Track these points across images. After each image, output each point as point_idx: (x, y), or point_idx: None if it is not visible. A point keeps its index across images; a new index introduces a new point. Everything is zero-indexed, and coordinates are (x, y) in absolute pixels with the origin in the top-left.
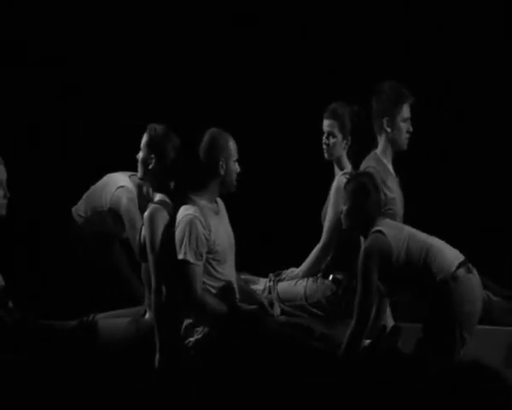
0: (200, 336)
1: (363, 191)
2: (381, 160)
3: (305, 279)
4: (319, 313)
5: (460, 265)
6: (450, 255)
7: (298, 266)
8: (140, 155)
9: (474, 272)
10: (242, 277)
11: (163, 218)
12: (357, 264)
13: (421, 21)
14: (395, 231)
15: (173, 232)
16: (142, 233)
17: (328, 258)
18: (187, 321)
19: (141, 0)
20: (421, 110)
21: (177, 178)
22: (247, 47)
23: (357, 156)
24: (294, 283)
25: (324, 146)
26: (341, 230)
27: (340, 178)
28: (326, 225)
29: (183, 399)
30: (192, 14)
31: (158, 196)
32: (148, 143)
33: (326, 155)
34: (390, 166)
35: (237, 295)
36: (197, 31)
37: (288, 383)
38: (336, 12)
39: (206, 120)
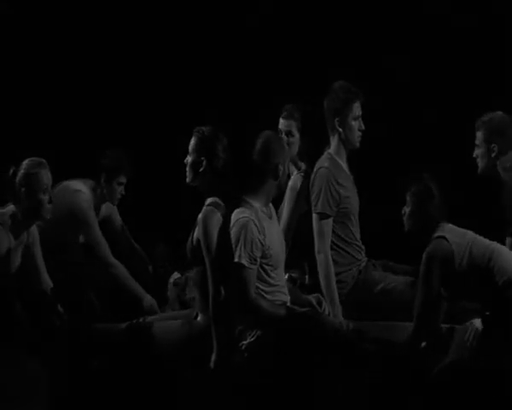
0: (253, 339)
1: (428, 195)
2: (334, 159)
3: None
4: None
5: None
6: None
7: None
8: (189, 160)
9: None
10: None
11: (217, 220)
12: (312, 262)
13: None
14: (458, 237)
15: (226, 235)
16: (194, 235)
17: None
18: (240, 324)
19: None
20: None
21: (229, 180)
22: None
23: (310, 156)
24: None
25: None
26: (296, 228)
27: (296, 177)
28: (281, 224)
29: (237, 399)
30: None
31: (210, 199)
32: (197, 147)
33: None
34: (344, 165)
35: (289, 299)
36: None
37: (341, 385)
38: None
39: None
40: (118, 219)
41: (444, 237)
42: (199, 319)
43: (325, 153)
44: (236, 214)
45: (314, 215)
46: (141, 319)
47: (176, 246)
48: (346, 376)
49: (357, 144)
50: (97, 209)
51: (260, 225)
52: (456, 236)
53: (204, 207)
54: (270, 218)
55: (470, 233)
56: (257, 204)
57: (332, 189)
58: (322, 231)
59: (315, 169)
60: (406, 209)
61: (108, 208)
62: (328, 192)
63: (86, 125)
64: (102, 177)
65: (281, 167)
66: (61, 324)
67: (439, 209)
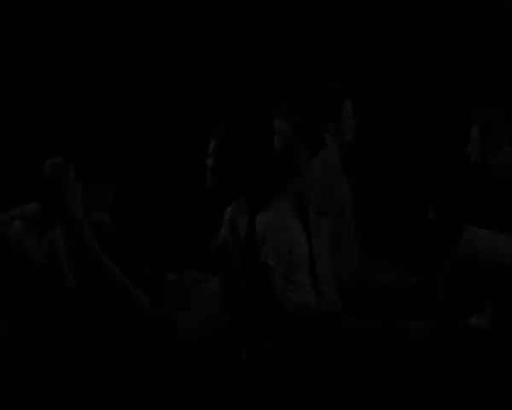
0: (277, 338)
1: (451, 197)
2: (328, 157)
3: None
4: None
5: None
6: None
7: None
8: (209, 162)
9: None
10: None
11: (244, 220)
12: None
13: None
14: (483, 239)
15: (251, 235)
16: (221, 237)
17: None
18: (265, 323)
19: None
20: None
21: (254, 180)
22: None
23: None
24: None
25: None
26: None
27: None
28: None
29: (260, 398)
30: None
31: (235, 201)
32: (217, 148)
33: None
34: (337, 163)
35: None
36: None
37: (366, 386)
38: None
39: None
40: (109, 221)
41: (469, 239)
42: (222, 319)
43: (319, 151)
44: (262, 215)
45: (311, 213)
46: (164, 319)
47: (172, 246)
48: (371, 375)
49: (349, 140)
50: (86, 211)
51: (286, 225)
52: (480, 237)
53: (230, 208)
54: (295, 218)
55: (495, 234)
56: (282, 204)
57: (328, 186)
58: (320, 229)
59: (310, 168)
60: (429, 212)
61: (100, 212)
62: (324, 190)
63: (79, 127)
64: (90, 183)
65: (303, 166)
66: (82, 323)
67: (462, 211)
